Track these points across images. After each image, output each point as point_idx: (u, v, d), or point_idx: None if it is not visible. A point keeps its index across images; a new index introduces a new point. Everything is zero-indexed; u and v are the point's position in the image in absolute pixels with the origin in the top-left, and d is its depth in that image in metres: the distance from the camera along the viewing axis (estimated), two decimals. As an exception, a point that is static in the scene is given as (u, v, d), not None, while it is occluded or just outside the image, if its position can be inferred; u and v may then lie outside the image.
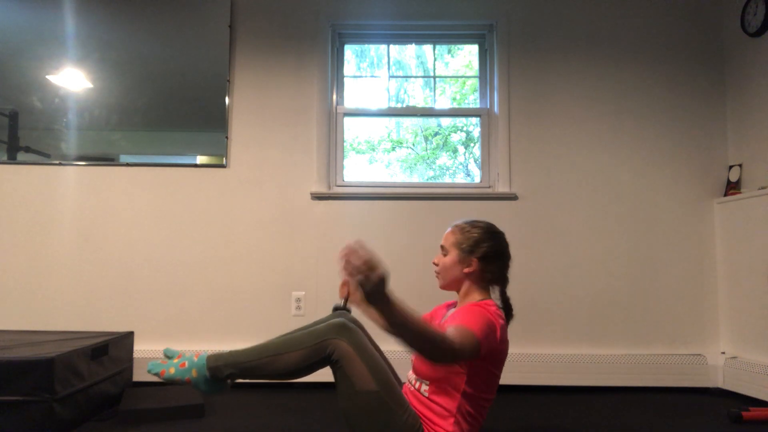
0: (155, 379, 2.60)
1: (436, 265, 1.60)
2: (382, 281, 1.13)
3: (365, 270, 1.12)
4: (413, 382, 1.53)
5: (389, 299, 1.15)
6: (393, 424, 1.39)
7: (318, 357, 1.43)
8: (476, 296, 1.53)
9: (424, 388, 1.48)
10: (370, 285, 1.12)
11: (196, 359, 1.47)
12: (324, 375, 1.61)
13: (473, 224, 1.57)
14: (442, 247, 1.58)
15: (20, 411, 1.79)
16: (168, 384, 2.51)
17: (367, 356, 1.43)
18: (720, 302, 2.73)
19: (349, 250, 1.14)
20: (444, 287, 1.59)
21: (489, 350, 1.37)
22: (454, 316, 1.44)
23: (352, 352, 1.41)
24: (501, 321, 1.44)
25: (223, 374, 1.46)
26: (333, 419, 2.06)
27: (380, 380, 1.41)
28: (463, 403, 1.41)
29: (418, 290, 2.76)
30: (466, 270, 1.53)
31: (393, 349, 2.47)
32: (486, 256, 1.53)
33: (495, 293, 1.59)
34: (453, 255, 1.54)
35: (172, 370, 1.47)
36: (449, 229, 1.59)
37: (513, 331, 2.74)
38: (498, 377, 1.48)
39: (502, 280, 1.58)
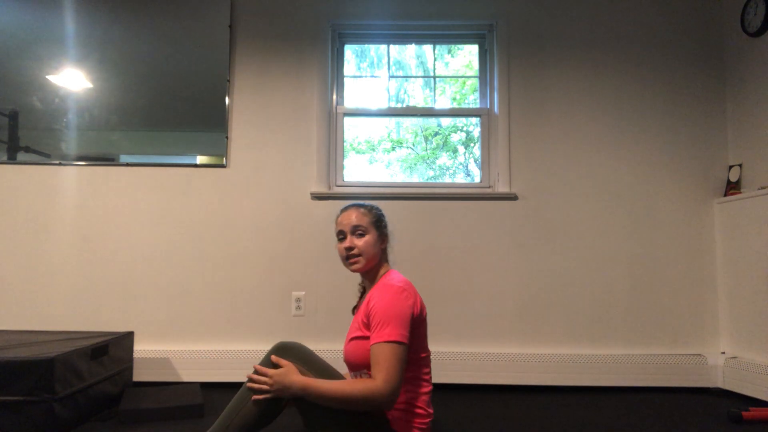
0: (155, 378, 2.61)
1: (351, 248, 1.54)
2: (292, 384, 1.36)
3: (278, 386, 1.38)
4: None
5: (304, 386, 1.35)
6: (362, 423, 1.39)
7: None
8: (384, 269, 1.60)
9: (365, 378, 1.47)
10: (288, 393, 1.38)
11: None
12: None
13: (365, 203, 1.63)
14: (356, 227, 1.55)
15: (20, 411, 1.80)
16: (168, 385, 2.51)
17: (316, 366, 1.44)
18: (720, 302, 2.73)
19: (255, 378, 1.41)
20: (364, 269, 1.57)
21: (414, 329, 1.42)
22: (376, 312, 1.41)
23: (299, 367, 1.42)
24: (413, 289, 1.49)
25: None
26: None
27: None
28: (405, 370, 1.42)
29: (417, 289, 2.76)
30: (382, 246, 1.61)
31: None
32: (387, 229, 1.64)
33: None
34: (372, 234, 1.56)
35: None
36: (357, 212, 1.58)
37: (513, 331, 2.74)
38: (425, 334, 1.52)
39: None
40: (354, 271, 1.57)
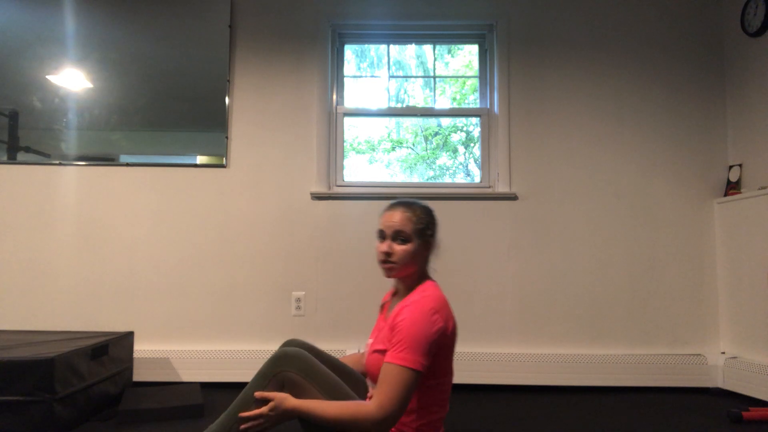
0: (155, 378, 2.61)
1: (389, 254, 1.44)
2: (287, 412, 1.34)
3: (269, 418, 1.35)
4: (372, 390, 1.48)
5: (299, 412, 1.33)
6: None
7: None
8: (423, 278, 1.50)
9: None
10: (284, 421, 1.37)
11: None
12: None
13: (415, 205, 1.51)
14: (398, 233, 1.44)
15: (20, 411, 1.80)
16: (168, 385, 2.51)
17: (318, 378, 1.38)
18: (720, 302, 2.73)
19: (251, 426, 1.37)
20: (398, 276, 1.47)
21: (440, 351, 1.36)
22: (400, 328, 1.33)
23: (300, 379, 1.37)
24: (446, 310, 1.40)
25: None
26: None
27: (337, 398, 1.37)
28: (422, 396, 1.39)
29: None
30: (424, 254, 1.50)
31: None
32: (434, 236, 1.53)
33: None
34: (414, 243, 1.45)
35: None
36: (403, 214, 1.46)
37: (513, 331, 2.74)
38: (451, 361, 1.45)
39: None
40: (387, 276, 1.49)
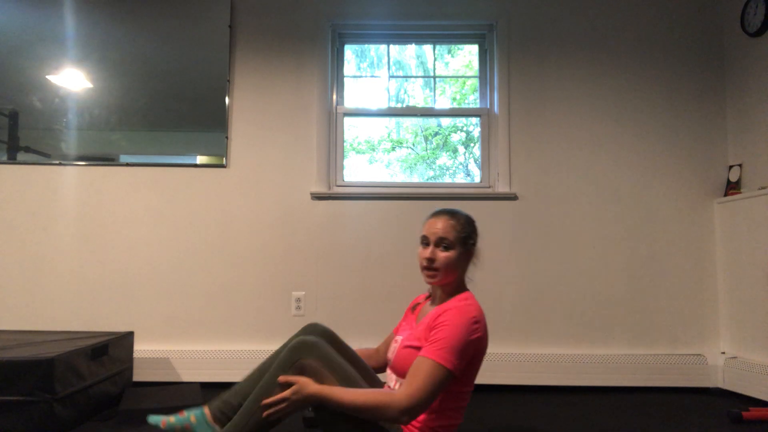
0: (155, 378, 2.61)
1: (432, 261, 1.46)
2: (309, 397, 1.33)
3: (292, 402, 1.35)
4: (393, 384, 1.49)
5: (321, 397, 1.33)
6: (372, 428, 1.36)
7: None
8: (461, 287, 1.52)
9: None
10: (306, 405, 1.36)
11: (194, 410, 1.50)
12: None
13: (458, 213, 1.52)
14: (441, 240, 1.46)
15: (20, 411, 1.80)
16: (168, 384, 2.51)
17: (336, 367, 1.39)
18: (720, 302, 2.73)
19: (274, 411, 1.36)
20: (439, 283, 1.49)
21: (472, 361, 1.38)
22: (441, 328, 1.36)
23: (319, 367, 1.39)
24: (485, 322, 1.43)
25: (219, 416, 1.48)
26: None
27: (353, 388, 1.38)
28: (445, 399, 1.40)
29: (417, 290, 2.75)
30: (465, 263, 1.52)
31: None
32: (476, 245, 1.55)
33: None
34: (458, 249, 1.47)
35: (173, 419, 1.49)
36: (446, 222, 1.48)
37: (513, 331, 2.74)
38: (477, 370, 1.46)
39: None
40: (428, 283, 1.51)
